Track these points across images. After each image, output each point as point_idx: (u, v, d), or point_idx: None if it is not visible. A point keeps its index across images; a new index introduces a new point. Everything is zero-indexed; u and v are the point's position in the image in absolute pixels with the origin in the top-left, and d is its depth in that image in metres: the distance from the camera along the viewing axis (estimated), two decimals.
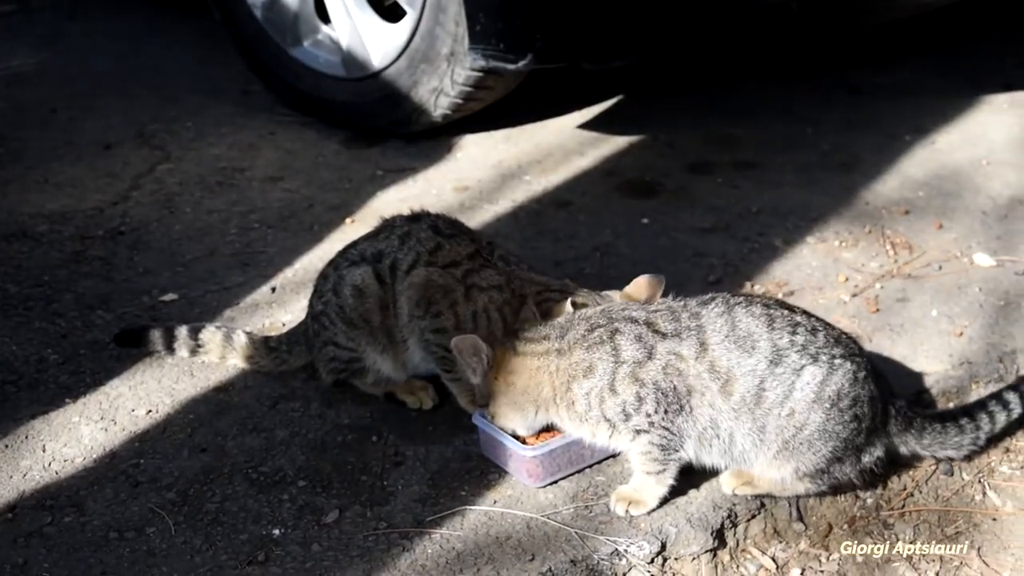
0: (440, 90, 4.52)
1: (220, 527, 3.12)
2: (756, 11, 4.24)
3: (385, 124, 4.79)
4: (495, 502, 3.16)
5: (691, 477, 3.18)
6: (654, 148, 4.69)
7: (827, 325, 3.03)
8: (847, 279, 3.91)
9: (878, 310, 3.77)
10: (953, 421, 3.19)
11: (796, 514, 3.20)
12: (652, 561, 3.04)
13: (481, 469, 3.27)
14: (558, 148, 4.72)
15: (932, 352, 3.60)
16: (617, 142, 4.73)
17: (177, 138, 4.95)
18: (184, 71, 5.37)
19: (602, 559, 3.02)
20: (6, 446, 3.40)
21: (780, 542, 3.17)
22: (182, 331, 3.68)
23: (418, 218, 3.50)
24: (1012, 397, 3.23)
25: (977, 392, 3.50)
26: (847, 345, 3.01)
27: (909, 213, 4.22)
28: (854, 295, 3.84)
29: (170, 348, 3.69)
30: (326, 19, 4.88)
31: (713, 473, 3.17)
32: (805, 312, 3.04)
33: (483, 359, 3.07)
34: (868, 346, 3.60)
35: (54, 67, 5.63)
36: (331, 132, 4.90)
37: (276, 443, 3.38)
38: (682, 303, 3.06)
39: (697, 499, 3.15)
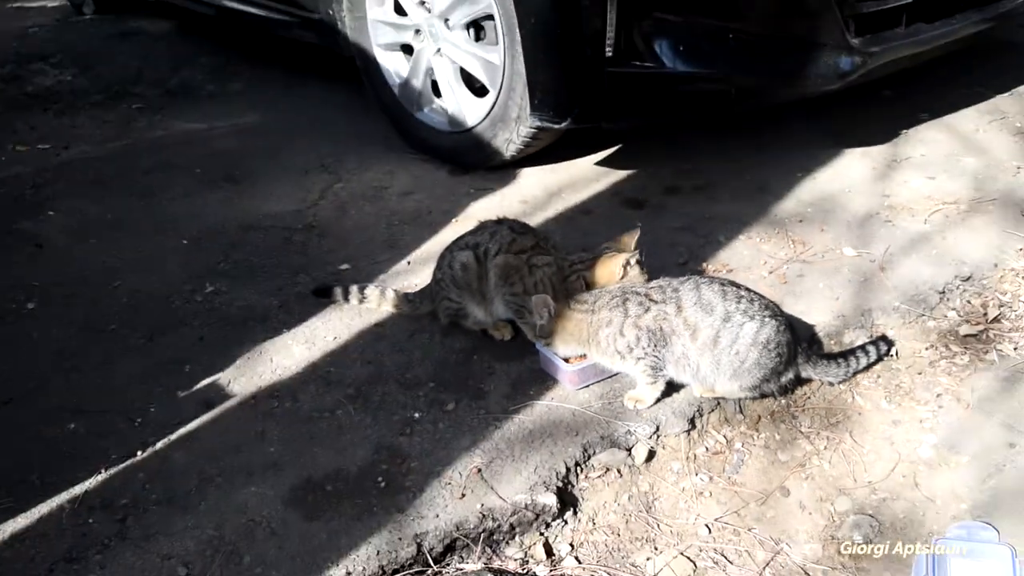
0: (510, 140, 4.46)
1: (382, 411, 3.10)
2: (708, 95, 4.20)
3: (474, 161, 4.73)
4: (552, 398, 3.12)
5: (674, 389, 3.14)
6: (642, 177, 4.62)
7: (760, 296, 3.07)
8: (765, 262, 3.85)
9: (786, 282, 3.71)
10: (835, 360, 3.21)
11: (738, 409, 3.15)
12: (650, 437, 3.00)
13: (542, 378, 3.22)
14: (582, 177, 4.64)
15: (820, 310, 3.54)
16: (619, 173, 4.66)
17: (345, 167, 4.89)
18: (349, 124, 5.33)
19: (619, 436, 2.99)
20: (248, 358, 3.38)
21: (728, 426, 3.13)
22: (354, 288, 3.64)
23: (501, 221, 3.44)
24: (871, 348, 3.27)
25: (849, 335, 3.44)
26: (772, 309, 3.05)
27: (802, 221, 4.15)
28: (770, 273, 3.78)
29: (346, 299, 3.65)
30: (438, 94, 4.81)
31: (687, 388, 3.11)
32: (747, 288, 3.07)
33: (550, 311, 3.07)
34: (782, 305, 3.54)
35: (267, 122, 5.61)
36: (441, 165, 4.83)
37: (414, 360, 3.35)
38: (668, 282, 3.10)
39: (678, 399, 3.11)
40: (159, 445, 2.97)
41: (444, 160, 4.86)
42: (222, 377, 3.28)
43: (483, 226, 3.45)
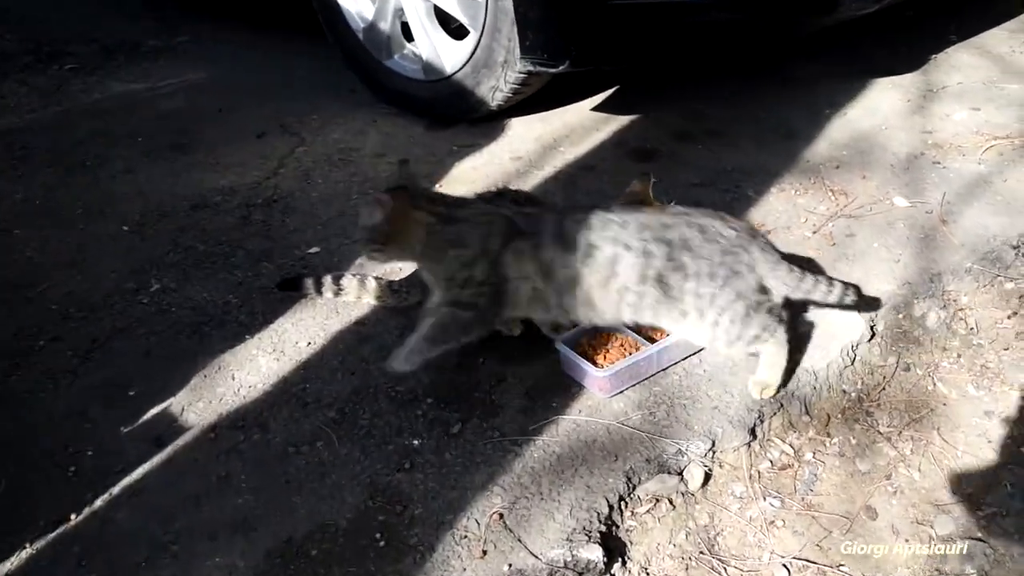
0: (496, 87, 3.78)
1: (372, 439, 2.46)
2: (726, 27, 3.53)
3: (455, 113, 4.05)
4: (580, 411, 2.49)
5: (728, 387, 2.52)
6: (647, 123, 3.96)
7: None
8: (806, 220, 3.22)
9: (834, 244, 3.09)
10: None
11: (804, 410, 2.53)
12: (705, 455, 2.38)
13: (564, 384, 2.59)
14: (579, 126, 3.98)
15: (881, 276, 2.91)
16: (620, 120, 3.99)
17: (308, 127, 4.19)
18: (308, 78, 4.60)
19: (669, 457, 2.37)
20: (205, 376, 2.71)
21: (794, 431, 2.52)
22: (328, 279, 2.98)
23: (502, 194, 2.78)
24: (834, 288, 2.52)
25: (919, 307, 2.82)
26: None
27: (839, 167, 3.52)
28: (814, 232, 3.16)
29: (319, 291, 2.99)
30: (410, 38, 4.09)
31: (742, 389, 2.49)
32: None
33: (384, 207, 2.56)
34: (833, 272, 2.93)
35: (216, 79, 4.85)
36: (417, 120, 4.14)
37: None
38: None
39: (734, 404, 2.48)
40: (98, 503, 2.32)
41: (420, 114, 4.17)
42: (174, 403, 2.62)
43: (485, 197, 2.79)
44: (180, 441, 2.48)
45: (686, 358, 2.63)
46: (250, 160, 3.93)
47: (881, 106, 3.91)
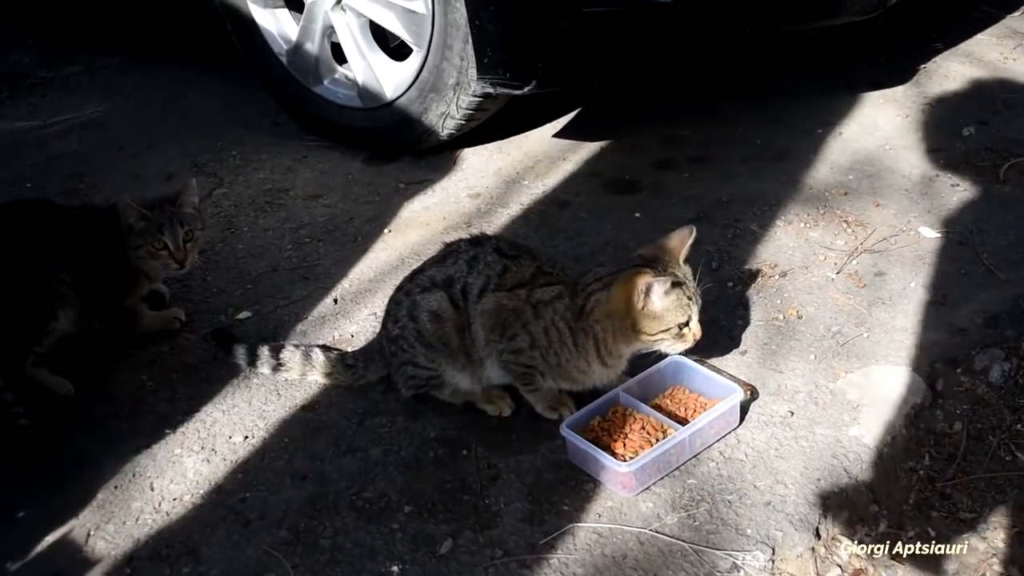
0: (447, 114, 3.29)
1: (339, 567, 1.93)
2: (714, 35, 3.07)
3: (399, 144, 3.54)
4: (599, 516, 1.99)
5: (780, 475, 2.04)
6: (621, 150, 3.50)
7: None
8: (824, 258, 2.78)
9: (865, 286, 2.65)
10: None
11: (871, 496, 2.07)
12: (764, 568, 1.88)
13: (574, 478, 2.09)
14: (543, 155, 3.50)
15: (927, 322, 2.48)
16: (590, 147, 3.52)
17: (226, 165, 3.63)
18: (222, 111, 4.02)
19: (722, 574, 1.85)
20: (116, 487, 2.16)
21: (863, 527, 2.04)
22: (264, 350, 2.46)
23: (479, 241, 2.27)
24: None
25: (982, 360, 2.38)
26: None
27: (847, 194, 3.09)
28: (837, 272, 2.71)
29: (253, 364, 2.45)
30: (342, 60, 3.56)
31: (783, 472, 2.01)
32: None
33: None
34: (871, 321, 2.49)
35: (116, 114, 4.24)
36: (354, 153, 3.62)
37: (372, 463, 2.18)
38: None
39: (790, 497, 2.00)
40: None
41: (358, 146, 3.64)
42: (77, 527, 2.06)
43: (454, 250, 2.28)
44: None
45: (721, 438, 2.14)
46: None
47: (878, 123, 3.50)
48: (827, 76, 3.87)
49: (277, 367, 2.43)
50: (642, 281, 2.03)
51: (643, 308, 2.05)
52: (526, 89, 2.99)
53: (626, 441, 2.08)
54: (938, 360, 2.36)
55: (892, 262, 2.73)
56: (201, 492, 2.12)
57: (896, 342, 2.41)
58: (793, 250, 2.82)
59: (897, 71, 3.86)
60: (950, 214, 2.94)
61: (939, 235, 2.83)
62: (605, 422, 2.14)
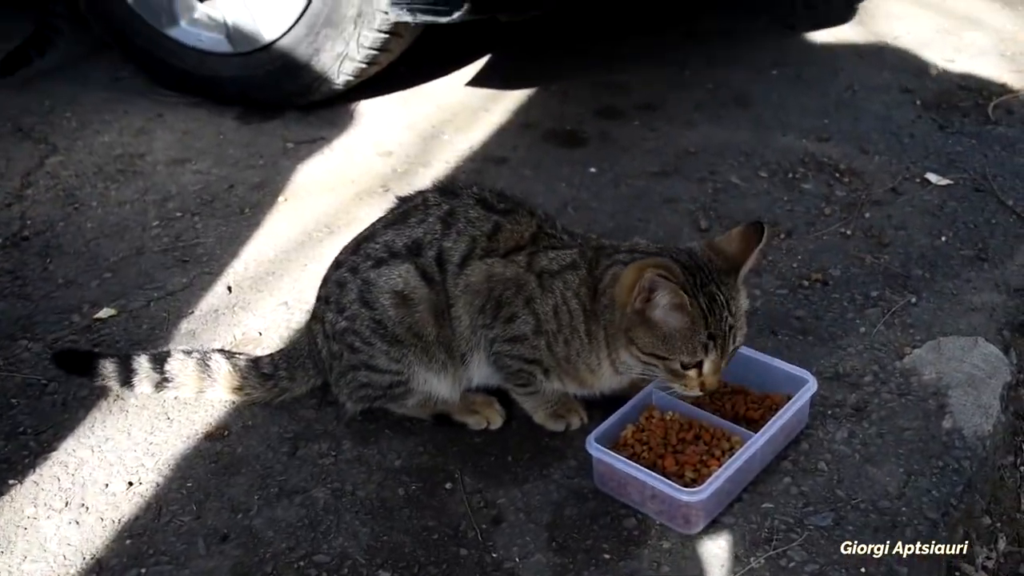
0: (344, 55, 2.68)
1: None
2: None
3: (279, 97, 2.90)
4: (657, 565, 1.43)
5: (874, 479, 1.53)
6: (553, 97, 2.95)
7: None
8: (829, 212, 2.32)
9: (887, 243, 2.19)
10: None
11: (983, 506, 1.59)
12: None
13: (608, 512, 1.54)
14: (460, 105, 2.92)
15: (978, 283, 2.04)
16: (515, 96, 2.96)
17: (59, 129, 2.88)
18: (50, 64, 3.16)
19: None
20: None
21: (983, 547, 1.56)
22: (141, 362, 1.78)
23: (455, 192, 1.66)
24: None
25: None
26: None
27: (829, 140, 2.65)
28: (850, 230, 2.25)
29: (128, 383, 1.77)
30: None
31: (880, 483, 1.52)
32: None
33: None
34: (913, 283, 2.03)
35: None
36: (223, 109, 2.94)
37: (320, 511, 1.56)
38: None
39: (901, 518, 1.50)
40: None
41: (227, 101, 2.96)
42: None
43: (417, 205, 1.67)
44: None
45: (790, 443, 1.62)
46: None
47: (835, 63, 3.09)
48: (760, 15, 3.43)
49: (162, 383, 1.77)
50: (650, 272, 1.44)
51: (640, 309, 1.47)
52: (455, 15, 2.40)
53: (678, 456, 1.53)
54: (1005, 327, 1.92)
55: (904, 213, 2.29)
56: (72, 572, 1.45)
57: (952, 307, 1.96)
58: (789, 204, 2.34)
59: (835, 10, 3.47)
60: (951, 158, 2.53)
61: (950, 182, 2.41)
62: (640, 432, 1.59)
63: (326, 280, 1.70)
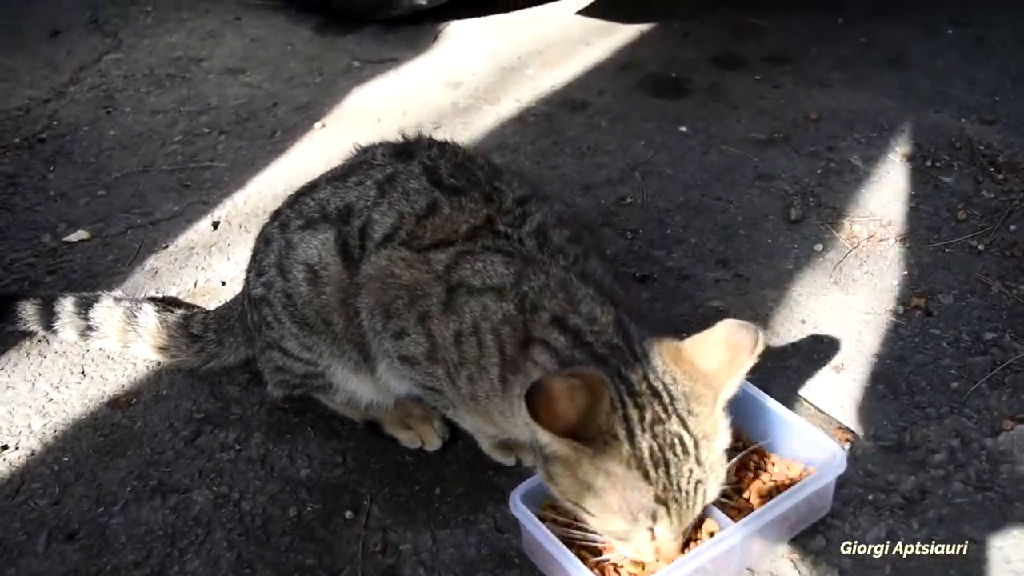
0: None
1: None
2: None
3: (364, 8, 2.57)
4: None
5: None
6: (670, 38, 2.52)
7: None
8: (964, 216, 1.79)
9: None
10: None
11: None
12: None
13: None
14: (559, 38, 2.53)
15: None
16: (626, 31, 2.55)
17: (133, 24, 2.70)
18: None
19: None
20: None
21: None
22: (66, 305, 1.53)
23: (410, 152, 1.30)
24: None
25: None
26: None
27: (995, 123, 2.10)
28: (987, 241, 1.72)
29: (50, 326, 1.53)
30: None
31: None
32: None
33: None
34: None
35: None
36: (302, 18, 2.68)
37: (190, 520, 1.27)
38: None
39: None
40: None
41: (308, 8, 2.69)
42: None
43: (365, 160, 1.32)
44: None
45: (799, 532, 1.21)
46: (27, 71, 2.46)
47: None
48: None
49: (87, 331, 1.52)
50: (556, 382, 1.00)
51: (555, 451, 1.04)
52: None
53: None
54: None
55: None
56: None
57: None
58: (916, 200, 1.85)
59: None
60: None
61: None
62: None
63: (259, 234, 1.39)
